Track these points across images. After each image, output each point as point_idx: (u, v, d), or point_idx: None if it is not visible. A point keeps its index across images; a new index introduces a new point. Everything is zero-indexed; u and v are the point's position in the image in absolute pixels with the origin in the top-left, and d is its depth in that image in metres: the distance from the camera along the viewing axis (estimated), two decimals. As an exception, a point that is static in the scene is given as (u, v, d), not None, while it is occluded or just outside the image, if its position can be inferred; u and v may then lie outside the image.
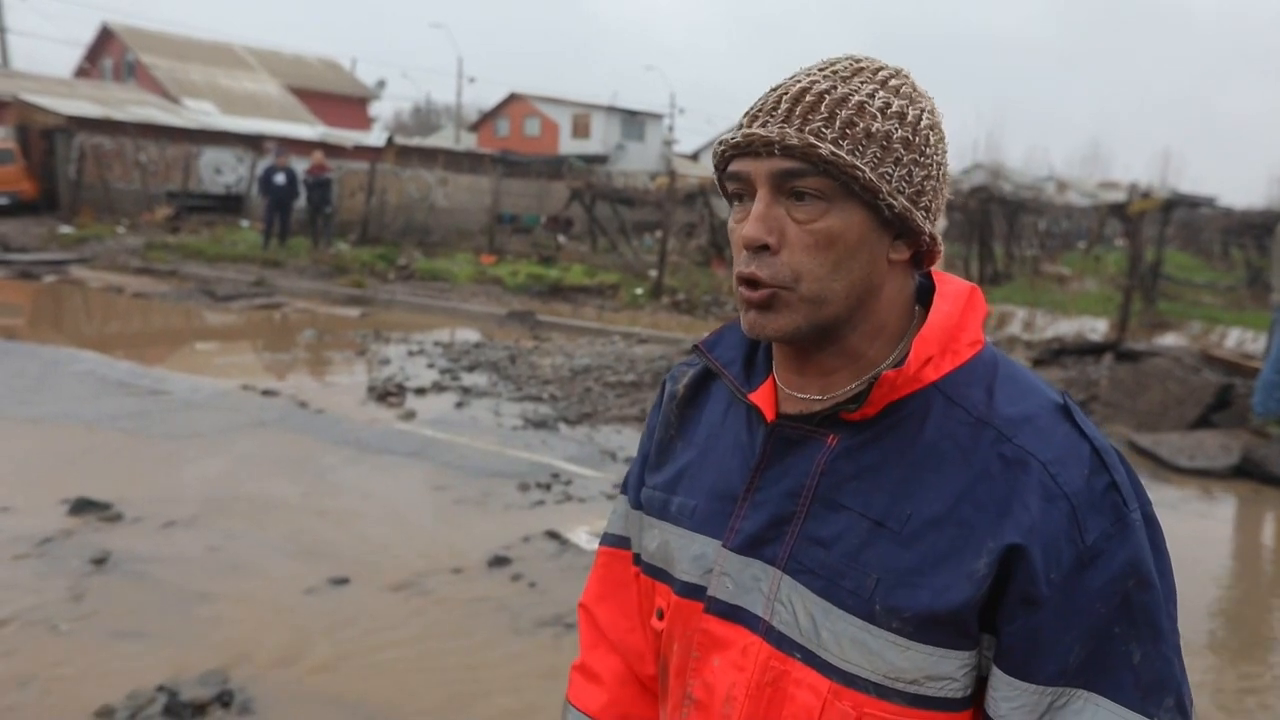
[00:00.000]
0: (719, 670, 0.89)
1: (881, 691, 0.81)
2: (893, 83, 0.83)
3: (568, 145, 40.04)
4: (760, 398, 0.90)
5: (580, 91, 47.16)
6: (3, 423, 5.86)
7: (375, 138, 28.57)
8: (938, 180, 0.85)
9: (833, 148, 0.78)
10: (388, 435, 6.10)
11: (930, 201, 0.84)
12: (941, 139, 0.86)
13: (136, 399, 6.57)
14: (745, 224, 0.83)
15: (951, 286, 0.89)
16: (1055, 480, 0.78)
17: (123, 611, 3.47)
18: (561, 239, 20.75)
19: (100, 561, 3.86)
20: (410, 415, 6.63)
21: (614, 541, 1.11)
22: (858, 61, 0.85)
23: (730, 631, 0.89)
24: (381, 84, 43.73)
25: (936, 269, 0.91)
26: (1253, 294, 17.40)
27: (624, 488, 1.12)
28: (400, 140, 29.50)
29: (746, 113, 0.85)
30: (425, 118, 66.32)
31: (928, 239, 0.85)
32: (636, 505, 1.05)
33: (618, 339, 10.21)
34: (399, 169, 22.48)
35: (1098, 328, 12.91)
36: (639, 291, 13.62)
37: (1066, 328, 12.89)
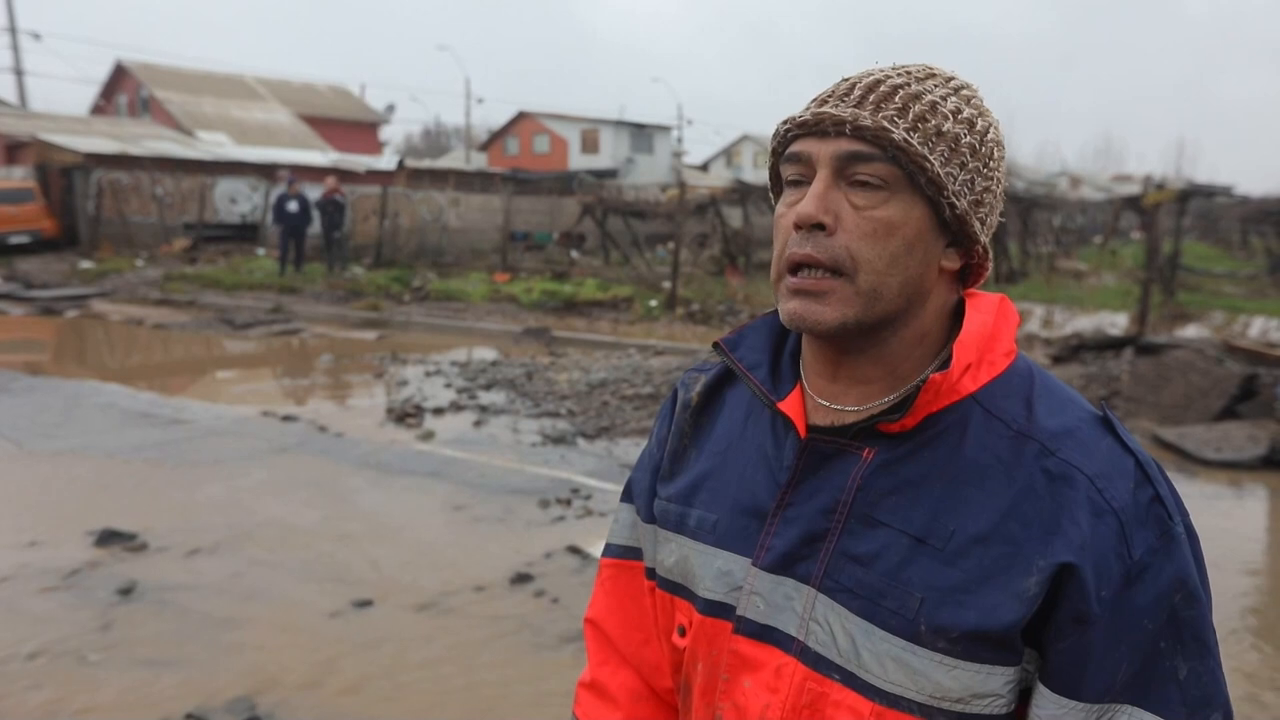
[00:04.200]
0: (750, 692, 0.86)
1: (927, 712, 0.79)
2: (965, 92, 0.83)
3: (577, 161, 40.22)
4: (790, 407, 0.87)
5: (588, 107, 47.47)
6: (29, 456, 5.94)
7: (386, 161, 28.80)
8: (996, 197, 0.84)
9: (905, 135, 0.77)
10: (407, 456, 6.12)
11: (987, 214, 0.83)
12: (1003, 157, 0.85)
13: (159, 429, 6.63)
14: (803, 202, 0.80)
15: (982, 298, 0.87)
16: (1102, 495, 0.77)
17: (150, 640, 3.50)
18: (574, 254, 20.82)
19: (127, 592, 3.90)
20: (429, 435, 6.66)
21: (620, 553, 1.07)
22: (931, 68, 0.84)
23: (762, 652, 0.86)
24: (391, 108, 44.08)
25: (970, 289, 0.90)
26: (1274, 282, 17.19)
27: (626, 496, 1.08)
28: (411, 163, 29.74)
29: (815, 99, 0.83)
30: (435, 139, 66.91)
31: (980, 250, 0.84)
32: (649, 519, 1.01)
33: (633, 352, 10.22)
34: (411, 191, 22.65)
35: (1117, 322, 12.78)
36: (653, 304, 13.63)
37: (1085, 323, 12.78)
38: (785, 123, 0.82)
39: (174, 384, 8.80)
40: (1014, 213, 18.35)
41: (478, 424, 7.05)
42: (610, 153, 40.29)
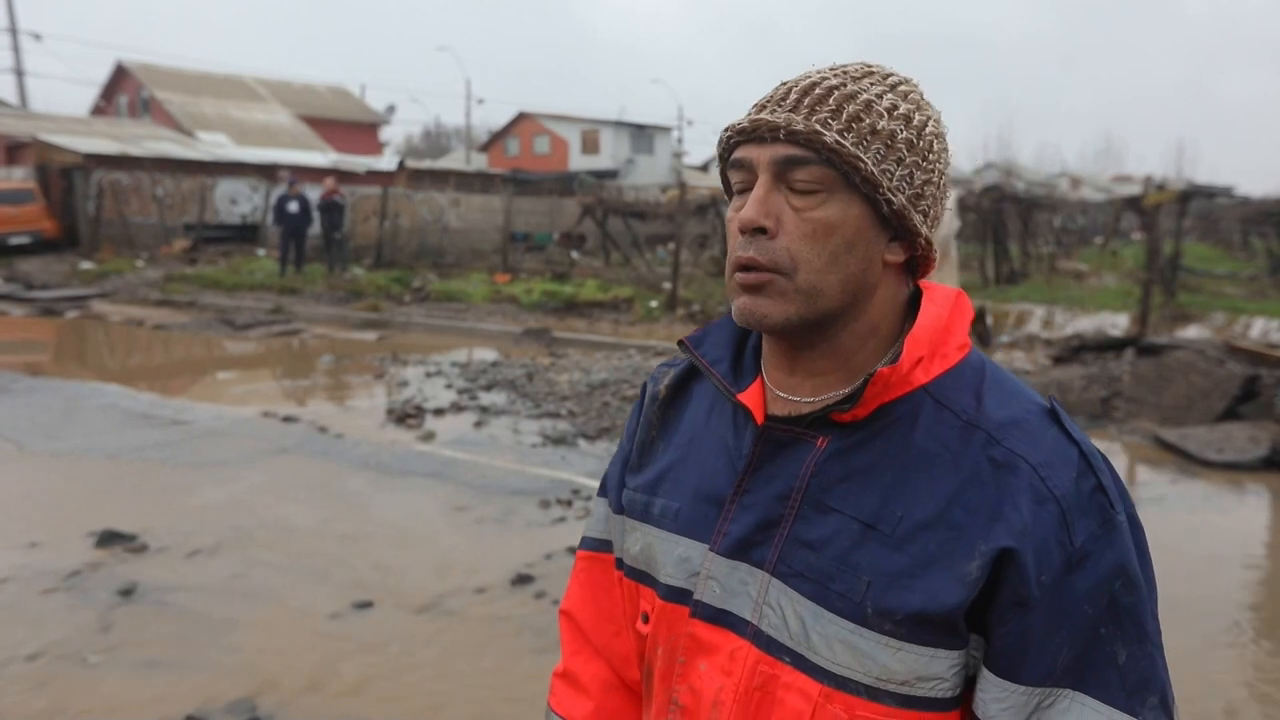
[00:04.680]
0: (706, 675, 0.89)
1: (873, 694, 0.81)
2: (902, 88, 0.84)
3: (578, 161, 40.23)
4: (749, 398, 0.90)
5: (588, 108, 47.51)
6: (29, 458, 5.93)
7: (387, 162, 28.81)
8: (938, 188, 0.85)
9: (838, 137, 0.79)
10: (407, 457, 6.12)
11: (929, 207, 0.85)
12: (945, 149, 0.86)
13: (159, 430, 6.63)
14: (745, 207, 0.83)
15: (939, 291, 0.89)
16: (1045, 483, 0.79)
17: (151, 642, 3.49)
18: (575, 255, 20.82)
19: (127, 593, 3.89)
20: (430, 436, 6.65)
21: (594, 545, 1.09)
22: (869, 66, 0.86)
23: (717, 636, 0.88)
24: (391, 109, 44.09)
25: (927, 281, 0.91)
26: (1275, 283, 17.19)
27: (602, 490, 1.11)
28: (412, 163, 29.76)
29: (755, 104, 0.85)
30: (435, 140, 66.92)
31: (923, 243, 0.85)
32: (618, 509, 1.04)
33: (634, 353, 10.21)
34: (411, 192, 22.66)
35: (1118, 323, 12.78)
36: (654, 305, 13.63)
37: (1086, 324, 12.78)
38: (727, 130, 0.85)
39: (174, 385, 8.80)
40: (1014, 213, 18.35)
41: (478, 425, 7.05)
42: (610, 153, 40.30)
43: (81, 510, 4.90)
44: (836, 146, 0.79)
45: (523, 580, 4.13)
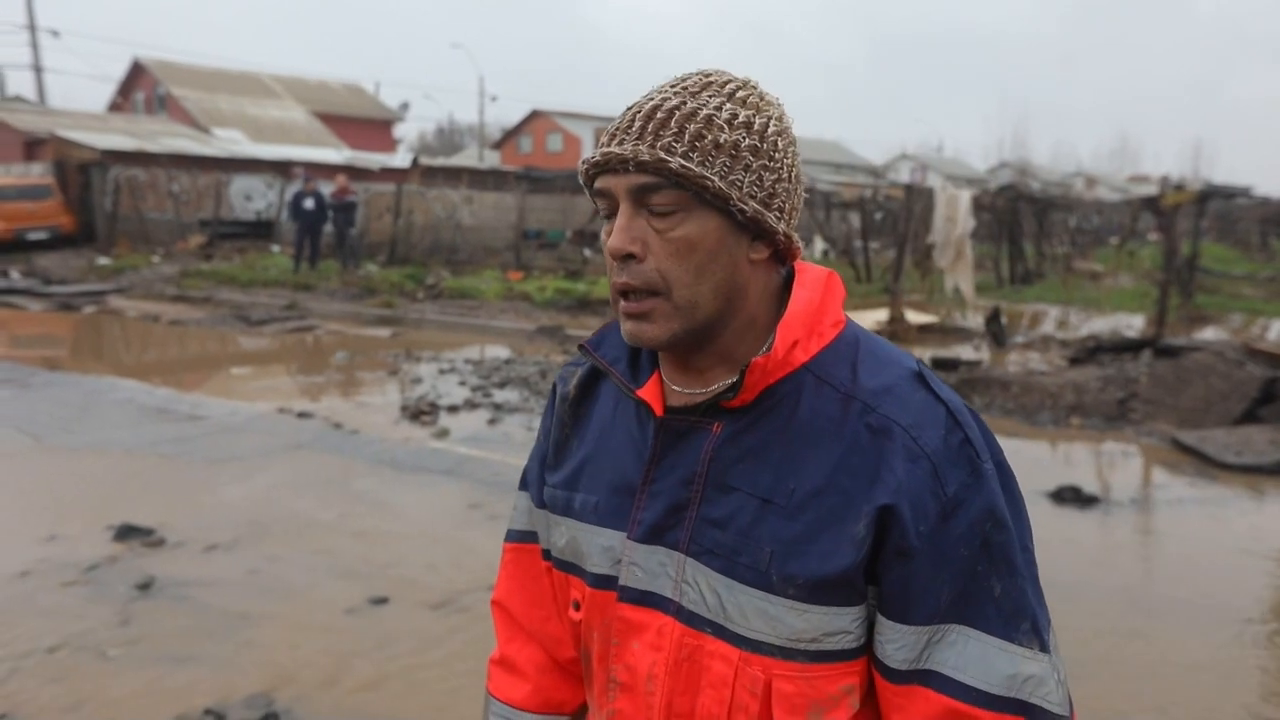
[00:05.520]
0: (638, 653, 0.95)
1: (785, 653, 0.88)
2: (740, 94, 0.88)
3: (590, 159, 40.18)
4: (648, 393, 0.95)
5: (600, 105, 47.46)
6: (47, 452, 5.98)
7: (400, 159, 28.89)
8: (790, 183, 0.90)
9: (682, 161, 0.83)
10: (422, 454, 6.13)
11: (784, 203, 0.90)
12: (791, 143, 0.91)
13: (175, 425, 6.67)
14: (611, 236, 0.87)
15: (810, 274, 0.95)
16: (916, 442, 0.86)
17: (168, 636, 3.52)
18: (587, 253, 20.82)
19: (145, 587, 3.92)
20: (444, 433, 6.67)
21: (518, 537, 1.15)
22: (707, 76, 0.89)
23: (644, 616, 0.94)
24: (405, 106, 44.29)
25: (800, 263, 0.96)
26: (1293, 284, 17.00)
27: (523, 484, 1.16)
28: (425, 161, 29.81)
29: (606, 130, 0.90)
30: (449, 137, 67.09)
31: (783, 238, 0.90)
32: (540, 504, 1.10)
33: (647, 351, 10.21)
34: (425, 189, 22.71)
35: (1134, 324, 12.68)
36: (666, 302, 13.61)
37: (1101, 325, 12.69)
38: (584, 163, 0.90)
39: (190, 380, 8.86)
40: (1029, 213, 18.22)
41: (492, 422, 7.06)
42: (623, 151, 40.21)
43: (99, 504, 4.94)
44: (682, 170, 0.83)
45: (537, 578, 4.13)
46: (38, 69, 31.75)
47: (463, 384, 8.40)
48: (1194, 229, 16.34)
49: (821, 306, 0.92)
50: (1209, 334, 11.74)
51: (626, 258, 0.87)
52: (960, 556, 0.85)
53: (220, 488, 5.34)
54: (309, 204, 16.63)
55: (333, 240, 17.68)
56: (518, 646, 1.13)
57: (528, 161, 39.78)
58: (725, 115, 0.86)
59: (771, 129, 0.88)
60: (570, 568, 1.03)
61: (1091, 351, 9.33)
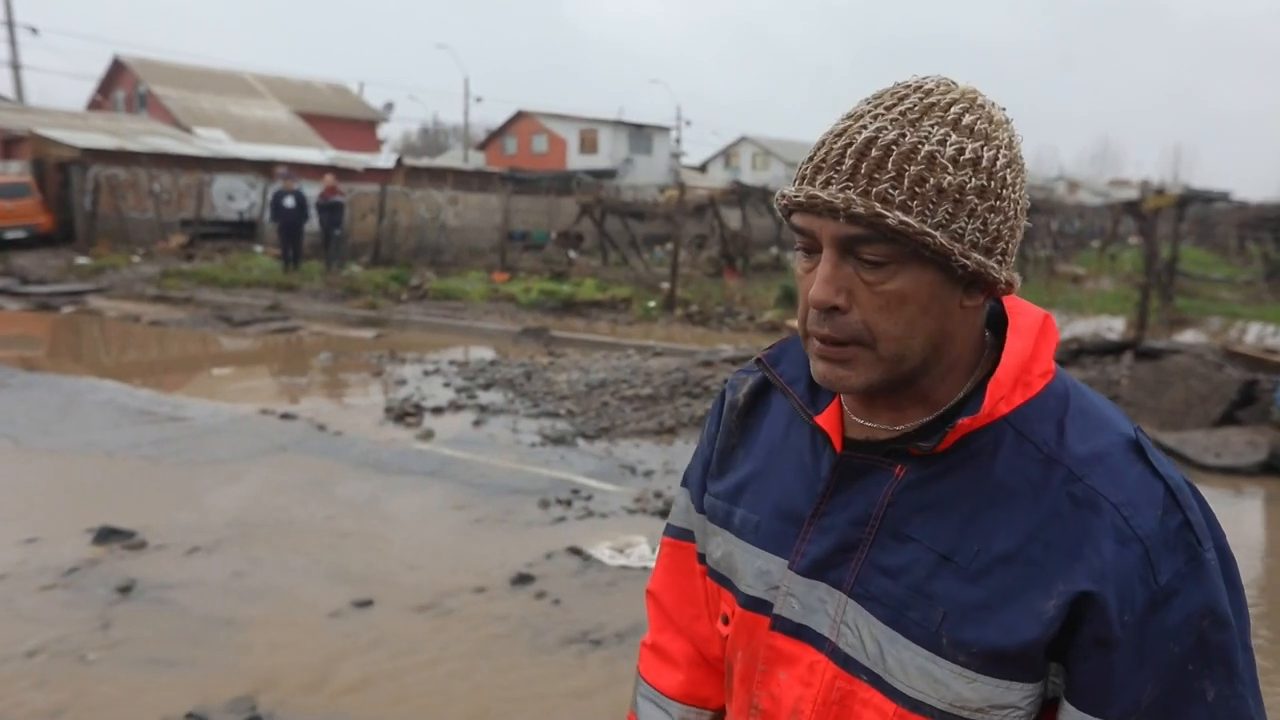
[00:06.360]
0: (785, 684, 0.91)
1: (946, 718, 0.82)
2: (966, 120, 0.78)
3: (576, 161, 40.20)
4: (827, 421, 0.89)
5: (586, 107, 47.45)
6: (27, 454, 5.91)
7: (385, 160, 28.76)
8: (1015, 219, 0.82)
9: (901, 214, 0.75)
10: (406, 455, 6.10)
11: (1007, 244, 0.82)
12: (1020, 172, 0.82)
13: (157, 426, 6.61)
14: (814, 285, 0.81)
15: (1025, 319, 0.87)
16: (1128, 523, 0.77)
17: (150, 639, 3.48)
18: (572, 254, 20.80)
19: (126, 590, 3.88)
20: (428, 435, 6.64)
21: (676, 533, 1.13)
22: (927, 95, 0.79)
23: (796, 649, 0.90)
24: (389, 106, 44.07)
25: (1010, 297, 0.88)
26: (1271, 288, 17.24)
27: (684, 482, 1.14)
28: (409, 161, 29.71)
29: (809, 159, 0.82)
30: (433, 138, 66.84)
31: (1003, 286, 0.82)
32: (700, 508, 1.07)
33: (632, 353, 10.20)
34: (409, 190, 22.62)
35: (1115, 327, 12.80)
36: (652, 305, 13.62)
37: (1083, 328, 12.80)
38: (781, 197, 0.83)
39: (171, 381, 8.77)
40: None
41: (477, 424, 7.04)
42: (609, 153, 40.28)
43: (79, 507, 4.88)
44: (901, 228, 0.75)
45: (523, 580, 4.12)
46: (16, 66, 31.37)
47: (447, 385, 8.36)
48: (1174, 233, 16.52)
49: (1034, 355, 0.85)
50: (1189, 337, 11.87)
51: (830, 310, 0.80)
52: (1168, 652, 0.76)
53: (202, 490, 5.29)
54: (289, 203, 16.52)
55: (318, 240, 17.58)
56: (669, 637, 1.12)
57: (513, 163, 39.68)
58: (950, 152, 0.77)
59: (1000, 161, 0.79)
60: (723, 580, 1.00)
61: (1074, 354, 9.41)
